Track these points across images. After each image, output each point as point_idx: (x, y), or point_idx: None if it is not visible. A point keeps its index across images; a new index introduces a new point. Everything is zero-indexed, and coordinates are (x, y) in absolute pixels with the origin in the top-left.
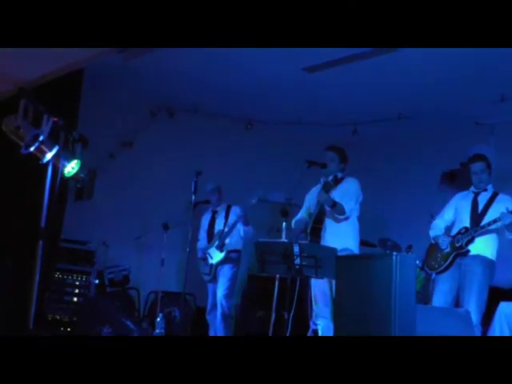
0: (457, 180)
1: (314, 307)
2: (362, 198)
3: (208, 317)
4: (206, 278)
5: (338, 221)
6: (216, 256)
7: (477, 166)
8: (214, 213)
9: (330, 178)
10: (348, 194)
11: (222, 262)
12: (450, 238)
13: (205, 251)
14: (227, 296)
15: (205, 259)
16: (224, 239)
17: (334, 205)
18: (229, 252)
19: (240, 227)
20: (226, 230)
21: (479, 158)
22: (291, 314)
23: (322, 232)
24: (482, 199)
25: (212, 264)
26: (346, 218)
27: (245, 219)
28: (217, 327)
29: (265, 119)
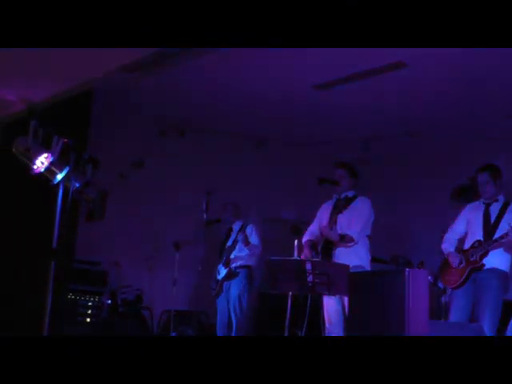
0: (466, 194)
1: (326, 325)
2: (374, 217)
3: (219, 335)
4: (212, 292)
5: None
6: (222, 272)
7: (480, 177)
8: (229, 230)
9: (342, 197)
10: (357, 216)
11: (227, 278)
12: (459, 256)
13: (217, 268)
14: (239, 316)
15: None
16: (228, 255)
17: (341, 238)
18: (236, 268)
19: (250, 241)
20: (236, 247)
21: (482, 168)
22: (303, 332)
23: (333, 251)
24: (494, 210)
25: (218, 280)
26: (356, 242)
27: (243, 238)
28: None
29: (276, 137)
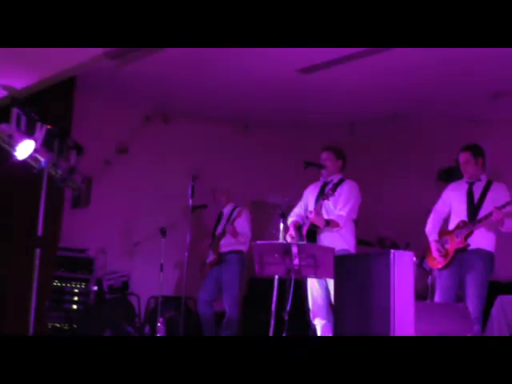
0: (453, 176)
1: (310, 307)
2: (361, 200)
3: (202, 314)
4: (202, 276)
5: None
6: (210, 256)
7: (461, 157)
8: (220, 214)
9: (329, 186)
10: (343, 200)
11: (217, 263)
12: (435, 245)
13: (206, 247)
14: (231, 303)
15: (205, 256)
16: (218, 241)
17: (328, 224)
18: (226, 254)
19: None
20: (219, 231)
21: (464, 148)
22: (287, 314)
23: (318, 235)
24: (477, 189)
25: (205, 262)
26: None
27: (232, 230)
28: (218, 333)
29: (261, 121)
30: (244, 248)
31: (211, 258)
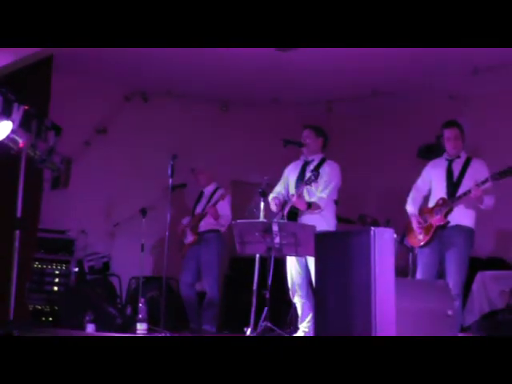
0: (433, 153)
1: (289, 286)
2: (342, 181)
3: (185, 297)
4: (180, 254)
5: None
6: (188, 237)
7: (451, 132)
8: (201, 193)
9: (310, 167)
10: (325, 182)
11: (196, 243)
12: (417, 218)
13: (183, 228)
14: (212, 284)
15: (182, 236)
16: (197, 222)
17: (309, 206)
18: (203, 233)
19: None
20: (199, 211)
21: (453, 123)
22: (268, 292)
23: (299, 217)
24: (457, 166)
25: (184, 243)
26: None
27: (214, 212)
28: (201, 314)
29: (240, 100)
30: (222, 228)
31: (190, 238)
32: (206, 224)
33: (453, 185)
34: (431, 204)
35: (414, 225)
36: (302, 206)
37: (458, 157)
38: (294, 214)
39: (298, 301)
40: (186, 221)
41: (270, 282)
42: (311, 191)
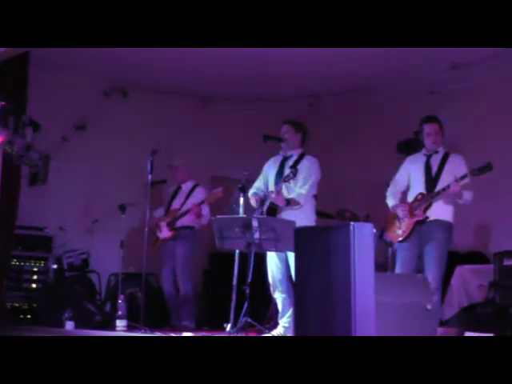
0: (412, 148)
1: (270, 281)
2: (321, 175)
3: (167, 295)
4: (151, 247)
5: None
6: (164, 232)
7: (430, 127)
8: (178, 188)
9: (289, 162)
10: (304, 179)
11: (172, 239)
12: (407, 207)
13: (157, 222)
14: (185, 279)
15: (155, 229)
16: (176, 220)
17: (289, 203)
18: (179, 229)
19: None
20: (182, 209)
21: (433, 119)
22: (248, 288)
23: (278, 213)
24: (435, 162)
25: (158, 237)
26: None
27: (198, 212)
28: (180, 310)
29: (220, 96)
30: (197, 226)
31: (167, 233)
32: (183, 220)
33: (431, 180)
34: (410, 199)
35: (400, 213)
36: (280, 203)
37: (437, 152)
38: (273, 210)
39: (278, 296)
40: (158, 213)
41: (250, 277)
42: (290, 188)
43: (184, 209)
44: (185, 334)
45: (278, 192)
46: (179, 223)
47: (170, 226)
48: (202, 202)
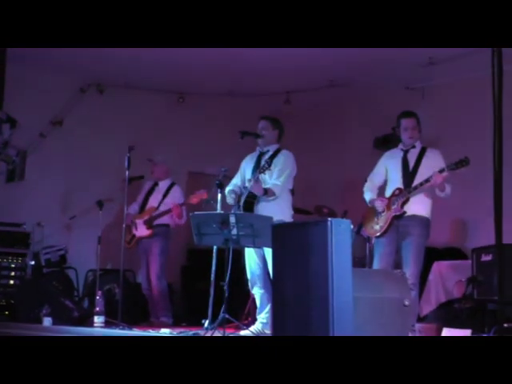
0: (389, 144)
1: (248, 277)
2: (297, 170)
3: (146, 292)
4: (126, 244)
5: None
6: (141, 230)
7: (408, 122)
8: (155, 185)
9: (266, 156)
10: (279, 171)
11: (145, 237)
12: (385, 200)
13: (132, 219)
14: (159, 275)
15: (129, 226)
16: (154, 219)
17: (265, 193)
18: (155, 227)
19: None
20: (160, 208)
21: (410, 113)
22: (227, 284)
23: (255, 205)
24: (412, 156)
25: (134, 235)
26: (278, 196)
27: (180, 212)
28: (156, 306)
29: (196, 91)
30: (173, 224)
31: (145, 232)
32: (160, 219)
33: (408, 175)
34: (387, 194)
35: (379, 206)
36: (258, 191)
37: (414, 147)
38: (250, 204)
39: (256, 292)
40: (132, 210)
41: (228, 273)
42: (265, 180)
43: (163, 208)
44: (163, 330)
45: (256, 180)
46: (156, 221)
47: (147, 224)
48: (183, 204)
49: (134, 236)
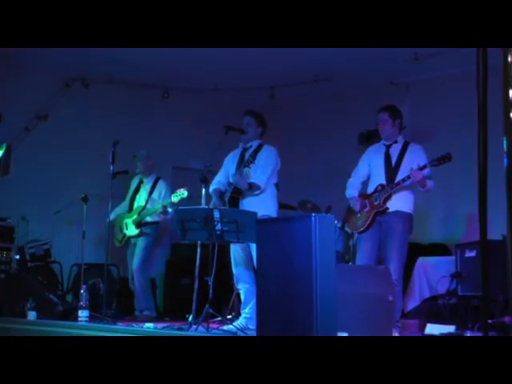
0: (373, 140)
1: (234, 272)
2: (280, 165)
3: (131, 286)
4: (117, 244)
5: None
6: (131, 229)
7: (379, 116)
8: (141, 182)
9: (249, 152)
10: (263, 166)
11: (137, 236)
12: (361, 200)
13: (122, 218)
14: (140, 269)
15: (121, 226)
16: (143, 217)
17: (250, 187)
18: (144, 225)
19: (162, 201)
20: (148, 207)
21: (383, 108)
22: (212, 279)
23: (240, 201)
24: (394, 152)
25: (125, 234)
26: (263, 190)
27: (165, 211)
28: (140, 302)
29: (181, 86)
30: (161, 220)
31: (134, 231)
32: (149, 217)
33: (391, 170)
34: (370, 190)
35: (356, 208)
36: (243, 186)
37: (396, 142)
38: (235, 199)
39: (241, 287)
40: (121, 209)
41: (213, 269)
42: (250, 175)
43: (150, 205)
44: (147, 325)
45: (241, 174)
46: (145, 220)
47: (137, 224)
48: (176, 205)
49: (124, 235)
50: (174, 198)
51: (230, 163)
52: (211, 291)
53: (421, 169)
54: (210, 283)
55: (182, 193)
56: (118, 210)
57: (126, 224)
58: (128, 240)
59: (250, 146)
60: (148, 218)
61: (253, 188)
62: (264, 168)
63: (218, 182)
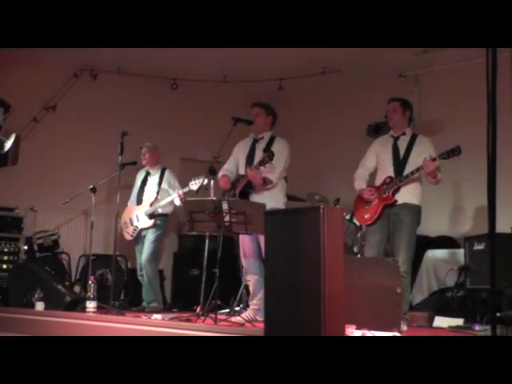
0: (382, 132)
1: (243, 263)
2: (291, 157)
3: (140, 278)
4: (129, 237)
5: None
6: (143, 221)
7: (390, 105)
8: (148, 174)
9: (261, 145)
10: (276, 160)
11: (148, 228)
12: (373, 191)
13: (134, 211)
14: (149, 261)
15: (131, 219)
16: (155, 208)
17: (264, 182)
18: (157, 217)
19: (172, 193)
20: (158, 197)
21: (392, 98)
22: (218, 271)
23: (250, 194)
24: (402, 144)
25: (137, 226)
26: (274, 184)
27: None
28: (147, 293)
29: (190, 78)
30: (170, 211)
31: (147, 223)
32: (161, 209)
33: (399, 163)
34: (378, 182)
35: (367, 195)
36: (258, 181)
37: (404, 134)
38: (245, 193)
39: (250, 278)
40: (130, 202)
41: (219, 259)
42: (263, 170)
43: (161, 196)
44: (154, 316)
45: (257, 172)
46: (157, 211)
47: (150, 216)
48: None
49: (136, 227)
50: (193, 187)
51: (239, 152)
52: (218, 282)
53: (435, 159)
54: (217, 274)
55: (200, 181)
56: (129, 204)
57: (137, 216)
58: (139, 232)
59: (262, 138)
60: (159, 210)
61: (266, 183)
62: (277, 163)
63: (226, 169)
